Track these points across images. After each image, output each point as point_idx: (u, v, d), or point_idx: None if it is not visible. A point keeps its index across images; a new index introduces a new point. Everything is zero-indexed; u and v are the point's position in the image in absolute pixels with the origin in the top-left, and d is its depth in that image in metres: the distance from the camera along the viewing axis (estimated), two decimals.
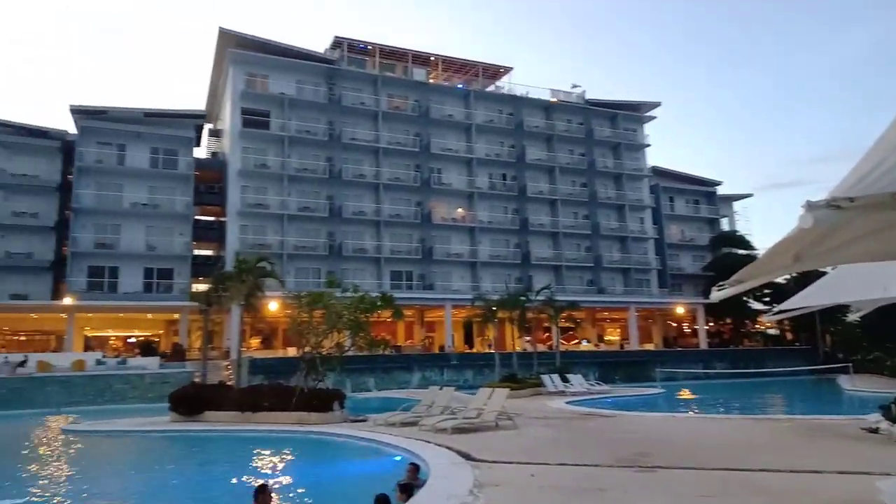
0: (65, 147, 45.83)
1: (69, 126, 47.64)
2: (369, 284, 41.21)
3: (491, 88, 58.80)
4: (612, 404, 24.68)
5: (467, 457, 11.27)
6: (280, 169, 46.82)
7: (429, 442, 13.33)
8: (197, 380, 26.95)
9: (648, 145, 61.60)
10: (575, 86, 60.70)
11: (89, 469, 14.82)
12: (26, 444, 19.15)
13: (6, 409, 28.60)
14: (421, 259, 49.66)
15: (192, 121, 49.27)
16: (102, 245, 43.73)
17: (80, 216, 43.49)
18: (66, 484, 12.78)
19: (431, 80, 55.81)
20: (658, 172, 63.24)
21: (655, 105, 62.06)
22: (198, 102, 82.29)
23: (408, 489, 8.18)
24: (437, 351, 45.88)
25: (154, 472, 14.51)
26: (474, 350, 48.03)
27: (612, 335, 58.48)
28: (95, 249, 43.40)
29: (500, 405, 16.52)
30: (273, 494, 8.07)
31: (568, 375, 30.31)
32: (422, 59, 55.56)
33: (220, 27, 46.88)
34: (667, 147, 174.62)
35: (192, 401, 20.94)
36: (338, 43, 52.38)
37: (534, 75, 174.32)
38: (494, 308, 34.70)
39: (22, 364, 33.13)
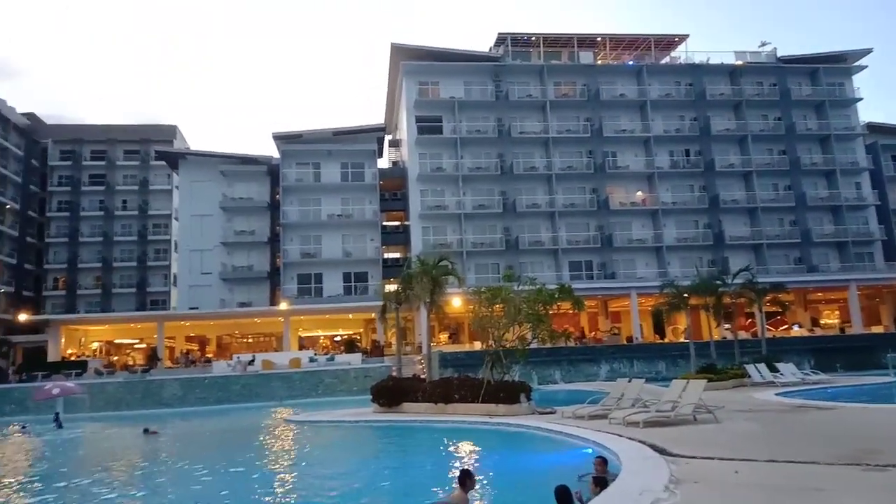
0: (271, 170, 52.05)
1: (272, 151, 53.87)
2: (548, 276, 40.93)
3: (665, 61, 55.19)
4: (831, 395, 21.86)
5: (662, 451, 10.66)
6: (454, 170, 48.42)
7: (620, 435, 12.85)
8: (394, 374, 28.89)
9: (860, 99, 53.50)
10: (763, 43, 54.75)
11: (312, 455, 16.64)
12: (260, 432, 22.03)
13: (240, 402, 33.18)
14: (600, 247, 48.20)
15: (374, 134, 53.05)
16: (307, 255, 48.88)
17: (288, 230, 49.03)
18: (296, 468, 14.45)
19: (599, 62, 53.89)
20: (875, 129, 54.71)
21: (865, 52, 53.71)
22: (377, 117, 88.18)
23: (602, 482, 7.95)
24: (624, 342, 44.16)
25: (367, 457, 15.88)
26: (666, 340, 45.40)
27: (830, 318, 51.66)
28: (302, 259, 48.66)
29: (698, 397, 15.40)
30: (475, 479, 8.40)
31: (777, 364, 27.38)
32: (587, 41, 53.87)
33: (392, 43, 49.76)
34: (884, 99, 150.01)
35: (391, 393, 22.52)
36: (501, 39, 52.74)
37: (713, 40, 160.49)
38: (686, 294, 32.45)
39: (251, 363, 38.12)
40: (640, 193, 50.56)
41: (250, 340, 50.38)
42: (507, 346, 20.94)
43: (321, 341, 50.88)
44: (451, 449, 15.23)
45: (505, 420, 17.81)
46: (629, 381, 19.32)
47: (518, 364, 22.50)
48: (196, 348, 50.68)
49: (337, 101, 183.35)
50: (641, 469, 9.23)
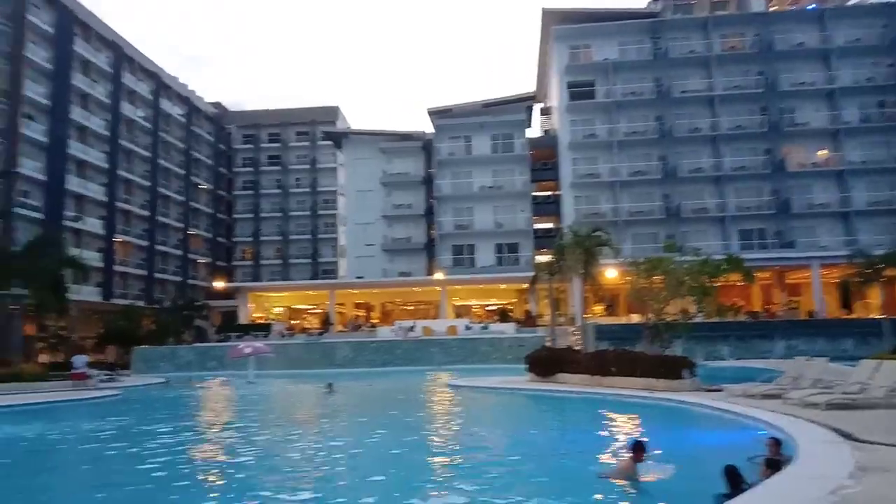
0: (425, 146, 53.91)
1: (426, 126, 55.69)
2: (713, 246, 38.47)
3: (853, 1, 48.30)
4: None
5: (847, 436, 9.77)
6: (608, 136, 46.71)
7: (796, 417, 11.94)
8: (548, 344, 29.07)
9: None
10: None
11: (475, 418, 17.37)
12: (422, 394, 23.46)
13: (402, 366, 35.35)
14: (775, 214, 44.06)
15: (524, 104, 52.70)
16: (461, 226, 50.26)
17: (442, 203, 50.67)
18: (462, 429, 15.19)
19: (773, 8, 48.56)
20: None
21: None
22: (527, 86, 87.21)
23: (774, 465, 7.55)
24: (804, 317, 40.25)
25: (524, 424, 16.30)
26: (853, 315, 40.68)
27: None
28: (455, 230, 50.16)
29: (893, 380, 13.79)
30: (646, 451, 8.49)
31: None
32: None
33: (543, 8, 48.75)
34: None
35: (546, 363, 22.76)
36: None
37: None
38: (880, 265, 28.81)
39: (411, 329, 40.35)
40: (822, 153, 45.27)
41: (411, 308, 53.18)
42: (668, 319, 20.14)
43: (475, 310, 52.34)
44: (612, 421, 15.12)
45: (666, 395, 17.26)
46: (809, 360, 17.75)
47: (680, 338, 21.58)
48: (363, 314, 54.59)
49: (487, 73, 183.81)
50: (821, 453, 8.57)
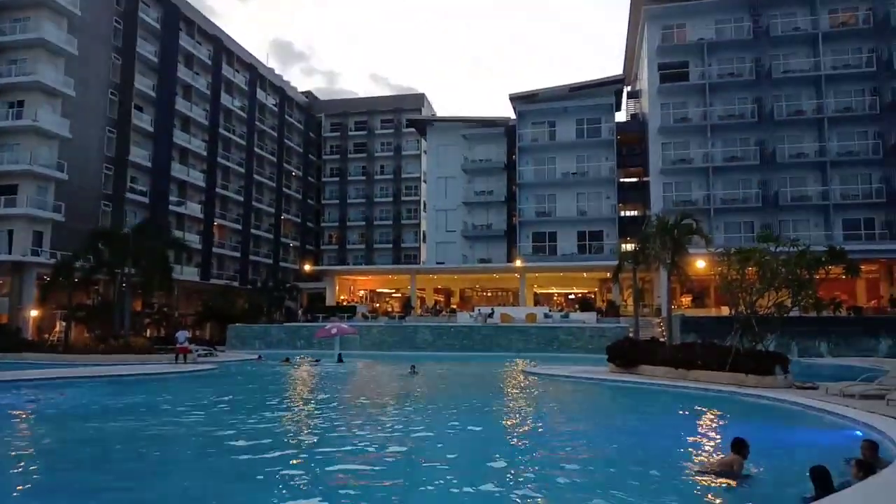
0: (507, 132, 53.56)
1: (508, 112, 55.26)
2: (814, 237, 36.15)
3: None
4: None
5: None
6: (701, 120, 44.57)
7: None
8: (631, 335, 28.41)
9: None
10: None
11: (551, 405, 17.27)
12: (500, 381, 23.58)
13: (479, 350, 35.64)
14: (885, 203, 40.69)
15: (611, 87, 51.13)
16: (542, 213, 49.75)
17: (524, 190, 50.30)
18: (538, 416, 15.18)
19: None
20: None
21: None
22: (614, 69, 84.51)
23: (867, 468, 7.12)
24: None
25: (604, 415, 16.00)
26: None
27: None
28: (536, 218, 49.70)
29: None
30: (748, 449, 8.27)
31: None
32: None
33: None
34: None
35: (628, 354, 22.30)
36: None
37: None
38: None
39: (490, 316, 40.49)
40: None
41: (489, 294, 53.32)
42: (761, 313, 19.15)
43: (555, 298, 51.78)
44: (700, 416, 14.60)
45: (756, 391, 16.52)
46: None
47: (774, 333, 20.47)
48: (442, 299, 55.32)
49: (571, 57, 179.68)
50: None
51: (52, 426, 13.34)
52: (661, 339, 26.52)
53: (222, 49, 61.71)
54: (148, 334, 41.02)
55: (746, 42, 44.75)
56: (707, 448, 10.90)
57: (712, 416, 14.43)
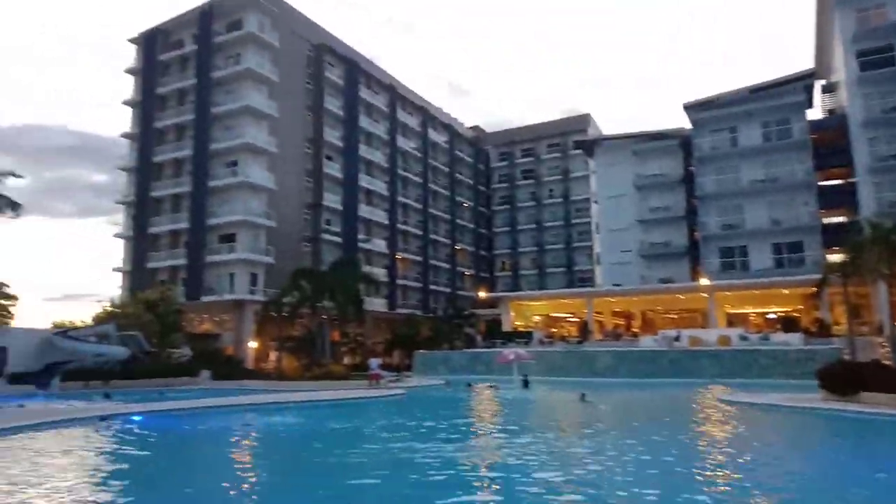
0: (682, 143, 50.88)
1: (681, 123, 52.54)
2: None
3: None
4: None
5: None
6: None
7: None
8: (846, 357, 25.19)
9: None
10: None
11: (752, 439, 15.18)
12: (691, 409, 22.01)
13: (667, 377, 33.59)
14: None
15: (801, 83, 46.54)
16: (728, 226, 46.22)
17: (705, 202, 47.21)
18: (755, 451, 13.21)
19: None
20: None
21: None
22: (803, 62, 76.56)
23: None
24: None
25: (833, 451, 13.92)
26: None
27: None
28: (722, 231, 46.26)
29: None
30: None
31: None
32: None
33: None
34: None
35: (845, 379, 19.78)
36: None
37: None
38: None
39: (676, 339, 38.22)
40: None
41: (674, 316, 50.34)
42: None
43: (752, 318, 47.38)
44: None
45: None
46: None
47: None
48: (622, 323, 53.34)
49: (745, 59, 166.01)
50: None
51: (292, 445, 15.20)
52: (887, 362, 23.11)
53: (397, 96, 66.69)
54: (345, 361, 44.77)
55: None
56: None
57: None
